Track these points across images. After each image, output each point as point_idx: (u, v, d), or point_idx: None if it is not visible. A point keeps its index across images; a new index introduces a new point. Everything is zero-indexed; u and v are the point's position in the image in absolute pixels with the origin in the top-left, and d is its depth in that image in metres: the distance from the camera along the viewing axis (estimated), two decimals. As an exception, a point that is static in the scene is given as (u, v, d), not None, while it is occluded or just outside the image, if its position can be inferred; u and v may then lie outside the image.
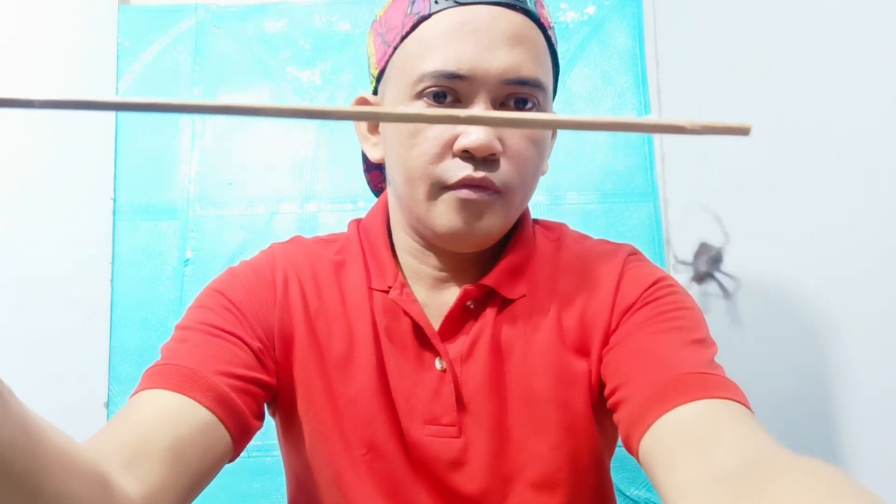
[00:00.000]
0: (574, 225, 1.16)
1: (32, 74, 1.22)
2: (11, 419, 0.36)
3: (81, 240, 1.18)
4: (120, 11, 1.25)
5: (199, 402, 0.57)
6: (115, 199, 1.20)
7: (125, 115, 1.23)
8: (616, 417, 0.61)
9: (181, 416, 0.56)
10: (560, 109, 1.20)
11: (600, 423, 0.69)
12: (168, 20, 1.25)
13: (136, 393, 0.59)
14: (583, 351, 0.68)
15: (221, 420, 0.58)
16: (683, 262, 1.12)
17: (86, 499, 0.42)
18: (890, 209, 1.10)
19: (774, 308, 1.11)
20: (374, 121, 0.70)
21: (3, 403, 0.35)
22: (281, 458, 0.77)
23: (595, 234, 1.15)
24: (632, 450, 0.58)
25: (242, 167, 1.21)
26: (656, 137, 1.17)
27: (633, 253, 0.73)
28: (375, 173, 0.83)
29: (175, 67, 1.24)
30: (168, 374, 0.59)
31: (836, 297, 1.10)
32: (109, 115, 1.22)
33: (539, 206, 1.17)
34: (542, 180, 1.17)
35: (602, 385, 0.66)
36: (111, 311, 1.17)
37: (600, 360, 0.67)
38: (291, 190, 1.20)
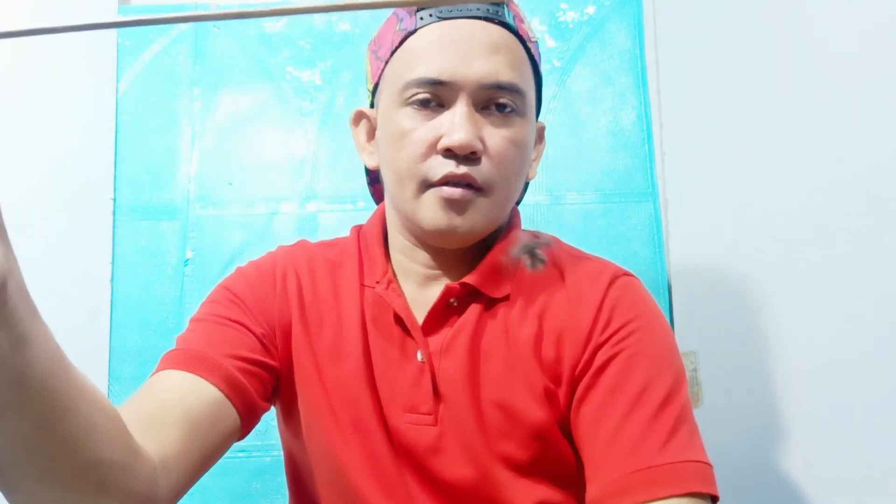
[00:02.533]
0: (574, 225, 1.17)
1: (33, 74, 1.22)
2: (51, 339, 0.44)
3: (81, 240, 1.18)
4: (120, 11, 1.24)
5: (208, 381, 0.64)
6: (115, 199, 1.20)
7: (125, 116, 1.23)
8: (585, 475, 0.65)
9: (192, 392, 0.63)
10: (560, 109, 1.20)
11: (569, 435, 0.70)
12: (168, 20, 1.25)
13: (153, 375, 0.66)
14: (553, 377, 0.69)
15: (228, 397, 0.64)
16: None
17: (111, 433, 0.50)
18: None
19: (784, 307, 1.11)
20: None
21: (43, 325, 0.43)
22: (279, 459, 0.80)
23: (595, 234, 1.17)
24: None
25: (242, 167, 1.21)
26: (656, 136, 1.17)
27: (618, 276, 0.73)
28: (378, 186, 0.87)
29: (175, 67, 1.24)
30: (180, 357, 0.66)
31: (839, 296, 1.10)
32: (110, 115, 1.22)
33: (539, 206, 1.17)
34: (542, 180, 1.18)
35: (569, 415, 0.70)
36: (111, 312, 1.17)
37: (568, 396, 0.69)
38: (291, 190, 1.20)
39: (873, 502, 1.05)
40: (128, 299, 1.17)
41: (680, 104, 1.17)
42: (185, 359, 0.65)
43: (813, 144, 1.13)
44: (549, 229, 1.14)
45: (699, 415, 1.07)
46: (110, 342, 1.16)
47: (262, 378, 0.69)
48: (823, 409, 1.07)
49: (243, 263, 0.94)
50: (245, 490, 1.10)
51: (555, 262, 0.75)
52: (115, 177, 1.21)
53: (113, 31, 1.24)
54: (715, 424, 1.06)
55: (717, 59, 1.17)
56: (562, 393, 0.69)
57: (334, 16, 1.24)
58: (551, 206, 1.17)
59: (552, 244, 0.77)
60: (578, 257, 0.76)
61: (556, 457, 0.70)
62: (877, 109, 1.12)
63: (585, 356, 0.68)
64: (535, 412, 0.69)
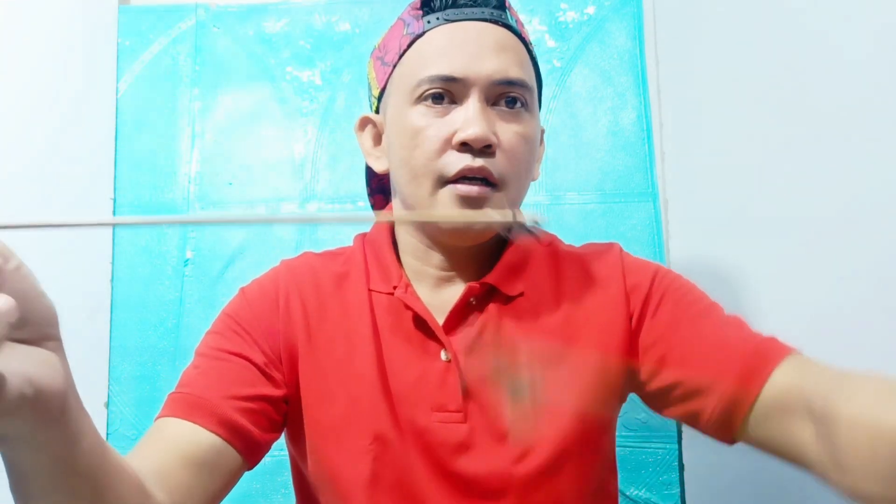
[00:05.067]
0: (574, 225, 1.17)
1: (32, 74, 1.22)
2: (95, 430, 0.47)
3: (81, 240, 1.18)
4: (120, 11, 1.25)
5: (206, 428, 0.65)
6: (115, 199, 1.20)
7: (125, 114, 1.23)
8: (688, 407, 0.69)
9: (192, 440, 0.64)
10: (560, 109, 1.20)
11: (603, 404, 0.73)
12: (168, 20, 1.25)
13: (157, 418, 0.67)
14: (598, 344, 0.72)
15: (227, 440, 0.65)
16: None
17: (134, 501, 0.52)
18: None
19: (786, 311, 1.11)
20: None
21: (89, 419, 0.46)
22: (284, 458, 0.80)
23: (595, 235, 1.17)
24: (727, 435, 0.67)
25: (242, 167, 1.21)
26: (656, 136, 1.17)
27: (620, 248, 0.80)
28: (379, 197, 0.87)
29: (175, 67, 1.24)
30: (179, 403, 0.66)
31: (838, 301, 1.10)
32: (110, 115, 1.22)
33: (539, 206, 1.17)
34: (542, 180, 1.18)
35: (631, 372, 0.73)
36: (111, 311, 1.17)
37: (627, 349, 0.73)
38: (291, 190, 1.20)
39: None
40: (128, 299, 1.17)
41: (680, 104, 1.17)
42: (185, 405, 0.66)
43: (813, 144, 1.13)
44: (549, 229, 1.14)
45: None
46: (110, 342, 1.16)
47: (266, 411, 0.69)
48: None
49: (243, 264, 0.93)
50: (245, 490, 1.10)
51: (561, 252, 0.79)
52: (115, 177, 1.21)
53: (113, 31, 1.24)
54: (715, 424, 1.06)
55: (717, 59, 1.17)
56: (611, 351, 0.72)
57: (334, 16, 1.24)
58: (551, 206, 1.17)
59: (553, 238, 0.82)
60: (578, 248, 0.81)
61: (588, 443, 0.72)
62: (878, 109, 1.12)
63: (637, 310, 0.73)
64: (566, 399, 0.70)
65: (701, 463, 1.06)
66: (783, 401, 0.63)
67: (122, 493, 0.50)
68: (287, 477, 0.83)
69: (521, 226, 0.49)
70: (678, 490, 1.07)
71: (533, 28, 1.21)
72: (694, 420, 0.69)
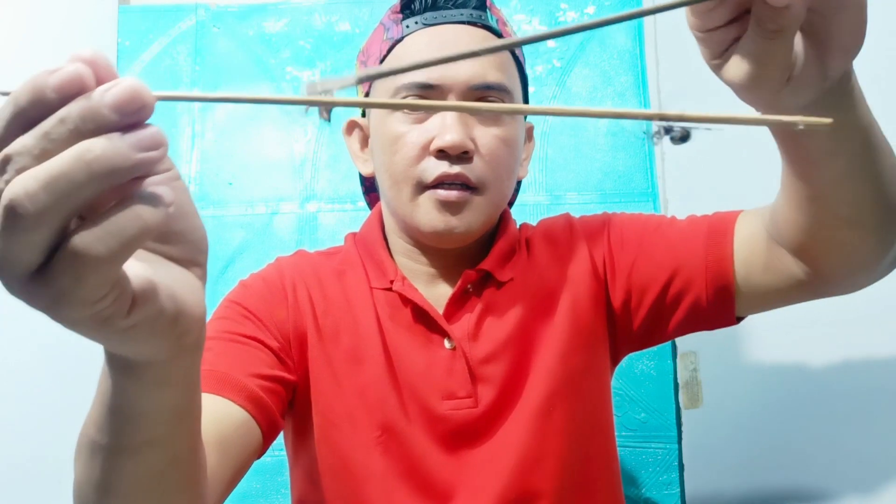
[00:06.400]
0: (574, 225, 1.17)
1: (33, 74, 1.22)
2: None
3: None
4: (120, 11, 1.25)
5: (236, 402, 0.63)
6: (115, 199, 1.20)
7: (125, 115, 1.23)
8: (685, 305, 0.72)
9: (224, 415, 0.62)
10: (560, 109, 1.20)
11: (585, 351, 0.76)
12: (168, 20, 1.25)
13: None
14: (574, 301, 0.75)
15: (255, 417, 0.64)
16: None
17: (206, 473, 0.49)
18: None
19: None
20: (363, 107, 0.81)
21: None
22: (284, 458, 0.80)
23: (595, 234, 1.17)
24: (730, 310, 0.71)
25: (242, 167, 1.21)
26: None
27: (572, 216, 0.83)
28: (374, 195, 0.88)
29: (175, 67, 1.24)
30: (205, 378, 0.62)
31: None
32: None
33: (539, 206, 1.17)
34: (542, 180, 1.18)
35: (619, 308, 0.77)
36: (111, 311, 1.17)
37: (603, 296, 0.76)
38: (291, 190, 1.20)
39: (873, 502, 1.05)
40: (128, 299, 1.17)
41: (680, 104, 1.17)
42: (211, 380, 0.63)
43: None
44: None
45: (699, 415, 1.07)
46: (110, 342, 1.16)
47: (281, 395, 0.69)
48: (823, 409, 1.07)
49: (243, 264, 0.93)
50: (245, 490, 1.10)
51: (530, 239, 0.81)
52: (115, 177, 1.20)
53: (113, 31, 1.24)
54: (715, 424, 1.06)
55: (716, 60, 1.17)
56: (583, 289, 0.76)
57: (334, 16, 1.25)
58: (551, 206, 1.17)
59: (523, 225, 0.84)
60: (539, 227, 0.83)
61: (573, 385, 0.73)
62: (879, 108, 1.12)
63: (605, 256, 0.77)
64: (551, 352, 0.73)
65: (701, 463, 1.06)
66: (753, 247, 0.68)
67: (202, 460, 0.48)
68: (287, 477, 0.82)
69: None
70: (678, 490, 1.07)
71: (533, 28, 1.22)
72: (697, 315, 0.72)
